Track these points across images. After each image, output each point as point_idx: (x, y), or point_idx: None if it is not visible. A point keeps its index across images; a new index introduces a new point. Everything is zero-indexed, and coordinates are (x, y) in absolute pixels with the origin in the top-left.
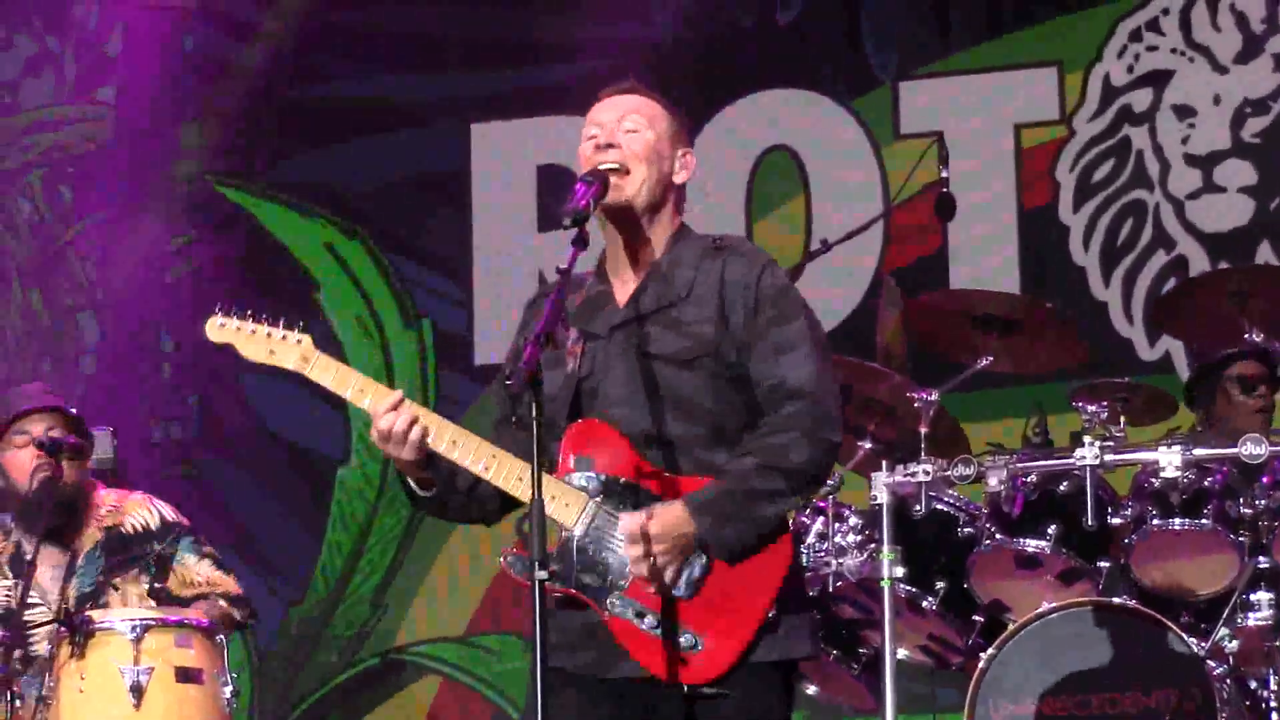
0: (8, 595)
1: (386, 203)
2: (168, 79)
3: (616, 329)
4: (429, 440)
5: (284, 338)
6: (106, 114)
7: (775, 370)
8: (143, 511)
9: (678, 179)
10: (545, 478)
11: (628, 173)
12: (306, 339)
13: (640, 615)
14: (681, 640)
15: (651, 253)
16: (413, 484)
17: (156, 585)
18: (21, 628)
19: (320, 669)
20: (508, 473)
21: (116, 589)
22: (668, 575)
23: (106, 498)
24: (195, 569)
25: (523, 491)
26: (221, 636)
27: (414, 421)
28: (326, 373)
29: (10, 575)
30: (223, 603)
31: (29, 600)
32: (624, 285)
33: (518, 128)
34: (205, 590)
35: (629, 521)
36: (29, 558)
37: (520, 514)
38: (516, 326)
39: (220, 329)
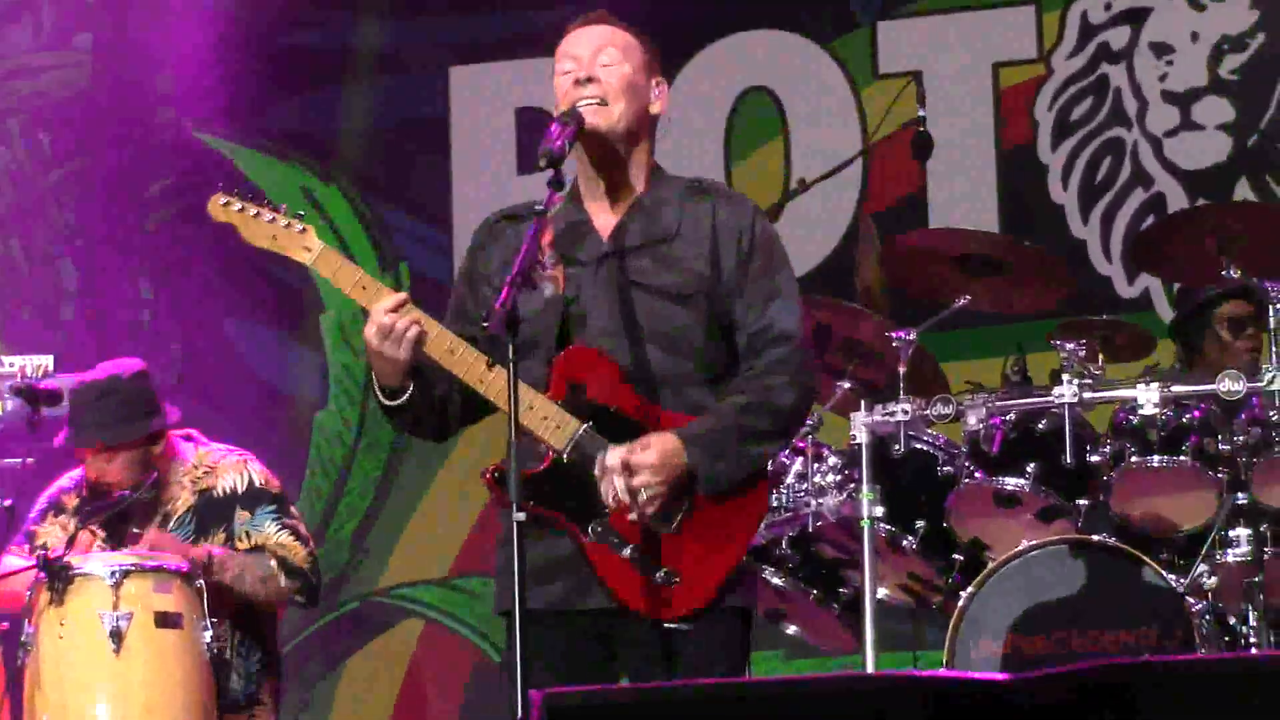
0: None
1: (366, 148)
2: (146, 26)
3: (603, 260)
4: (425, 343)
5: (288, 225)
6: (84, 61)
7: (764, 315)
8: (233, 474)
9: (654, 109)
10: (539, 397)
11: (606, 104)
12: (310, 229)
13: (621, 544)
14: (659, 575)
15: (631, 186)
16: (384, 393)
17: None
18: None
19: (300, 613)
20: (502, 389)
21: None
22: (654, 506)
23: (204, 456)
24: (271, 538)
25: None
26: (201, 582)
27: (415, 322)
28: (329, 264)
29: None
30: (273, 562)
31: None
32: (603, 215)
33: (497, 70)
34: (266, 546)
35: (617, 452)
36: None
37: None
38: (468, 249)
39: (224, 208)
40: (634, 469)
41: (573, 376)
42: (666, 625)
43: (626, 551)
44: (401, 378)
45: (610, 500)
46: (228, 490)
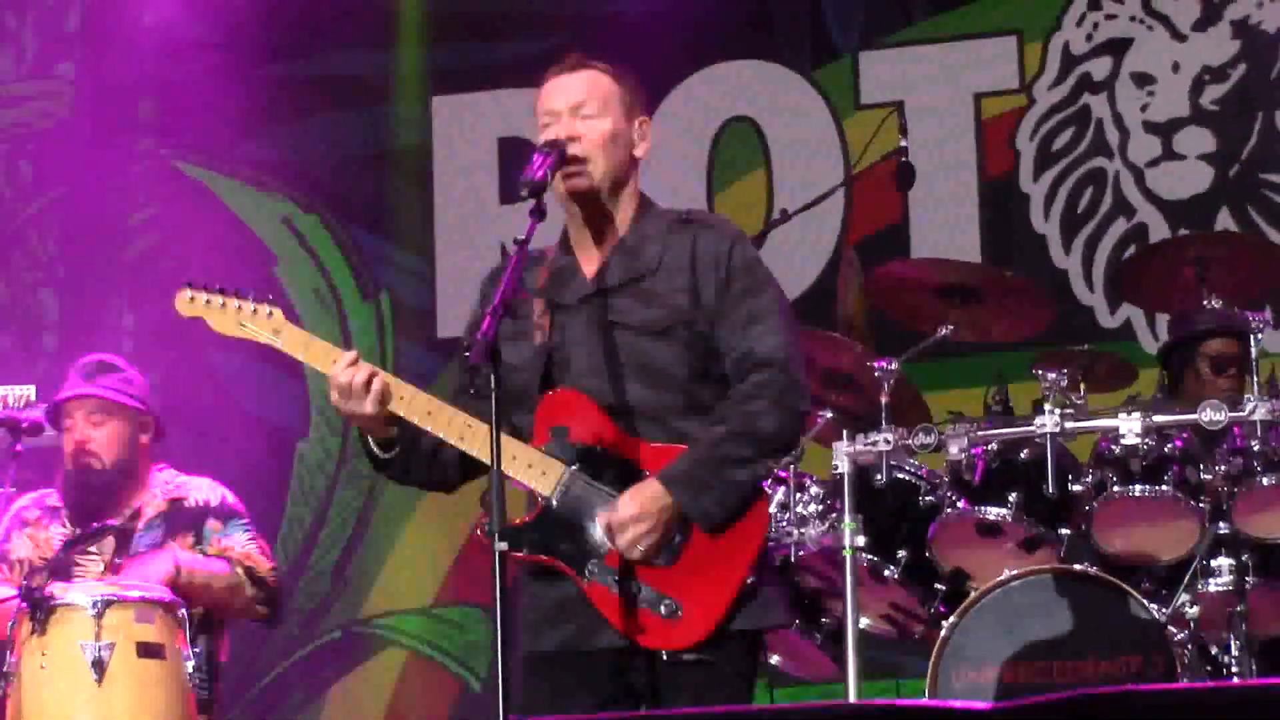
0: (62, 539)
1: (349, 178)
2: (127, 54)
3: (585, 301)
4: (390, 400)
5: (254, 311)
6: (66, 90)
7: (744, 340)
8: (206, 491)
9: (638, 153)
10: (521, 446)
11: (587, 162)
12: (278, 311)
13: (619, 583)
14: (662, 608)
15: (616, 228)
16: (374, 446)
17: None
18: (68, 569)
19: (282, 643)
20: (483, 444)
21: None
22: (646, 554)
23: (175, 476)
24: (238, 545)
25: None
26: (184, 611)
27: (372, 375)
28: (298, 345)
29: (69, 525)
30: (239, 570)
31: (88, 551)
32: (589, 259)
33: (479, 100)
34: (233, 555)
35: (605, 517)
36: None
37: (486, 485)
38: (476, 300)
39: (190, 303)
40: (616, 529)
41: (554, 421)
42: (680, 658)
43: (627, 589)
44: (383, 431)
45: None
46: (200, 502)
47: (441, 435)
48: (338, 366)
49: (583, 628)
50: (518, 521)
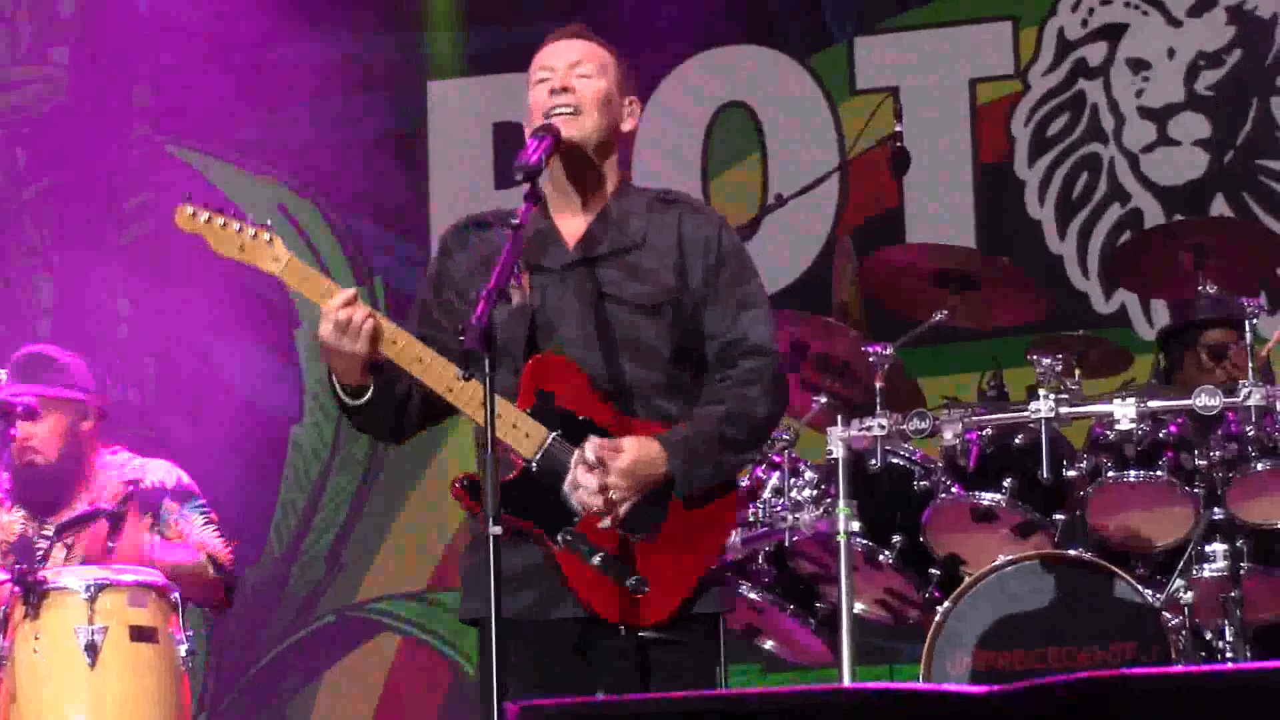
0: (23, 524)
1: (343, 162)
2: (122, 40)
3: (570, 268)
4: (381, 343)
5: (255, 235)
6: (60, 75)
7: (737, 325)
8: (162, 472)
9: (625, 126)
10: (507, 405)
11: (579, 114)
12: (279, 240)
13: (591, 552)
14: (629, 582)
15: (599, 196)
16: (344, 391)
17: (110, 544)
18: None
19: (276, 628)
20: (471, 397)
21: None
22: (622, 509)
23: (131, 459)
24: (195, 528)
25: (486, 417)
26: (176, 595)
27: (369, 315)
28: (297, 274)
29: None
30: (203, 557)
31: (44, 534)
32: (569, 224)
33: (474, 85)
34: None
35: (591, 446)
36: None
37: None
38: (435, 253)
39: (191, 218)
40: (607, 467)
41: (542, 385)
42: (639, 633)
43: (596, 559)
44: (361, 374)
45: (577, 501)
46: (156, 484)
47: (430, 385)
48: (335, 300)
49: (543, 596)
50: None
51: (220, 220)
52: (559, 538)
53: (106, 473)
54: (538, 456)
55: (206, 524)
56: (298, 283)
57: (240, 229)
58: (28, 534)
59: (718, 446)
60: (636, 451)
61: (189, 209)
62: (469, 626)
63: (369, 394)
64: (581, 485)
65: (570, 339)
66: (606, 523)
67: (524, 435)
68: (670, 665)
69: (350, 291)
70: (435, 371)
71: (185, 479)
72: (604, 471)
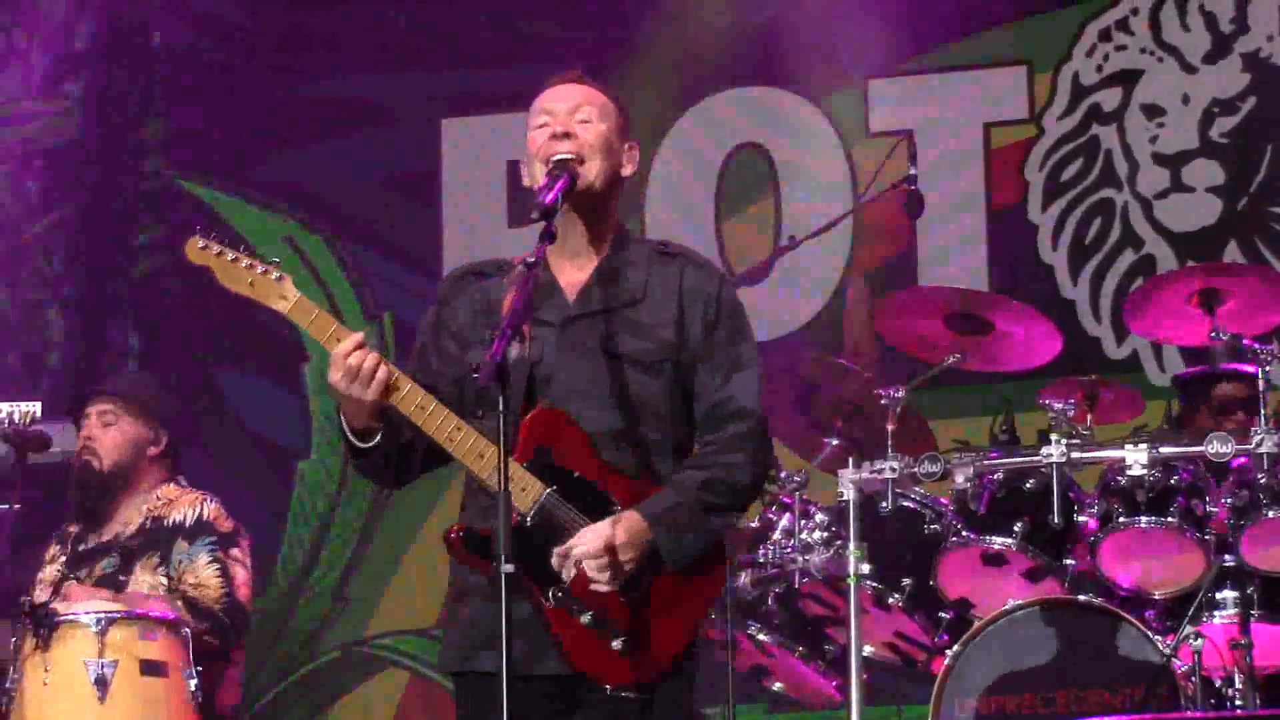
0: (59, 571)
1: (357, 199)
2: (135, 74)
3: (570, 322)
4: (393, 395)
5: (264, 272)
6: (73, 109)
7: (726, 386)
8: (186, 509)
9: (625, 172)
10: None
11: (583, 162)
12: (288, 278)
13: (581, 610)
14: (617, 642)
15: (597, 246)
16: (353, 436)
17: (121, 578)
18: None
19: (283, 662)
20: (469, 448)
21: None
22: (620, 582)
23: (169, 491)
24: (199, 571)
25: (482, 468)
26: (187, 630)
27: (379, 363)
28: (305, 313)
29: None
30: (179, 603)
31: (73, 575)
32: (569, 276)
33: (488, 123)
34: (189, 595)
35: (597, 535)
36: (74, 536)
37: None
38: (434, 302)
39: (201, 251)
40: (594, 553)
41: (540, 439)
42: (620, 694)
43: (586, 618)
44: (370, 419)
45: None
46: (177, 522)
47: (430, 434)
48: (344, 346)
49: (526, 651)
50: (486, 532)
51: (230, 255)
52: (550, 593)
53: (137, 502)
54: (533, 511)
55: (211, 563)
56: (306, 322)
57: (249, 265)
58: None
59: (701, 515)
60: (627, 526)
61: (199, 241)
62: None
63: (376, 439)
64: (575, 566)
65: (568, 393)
66: (603, 589)
67: (520, 489)
68: None
69: (358, 336)
70: (435, 421)
71: (206, 514)
72: (610, 552)
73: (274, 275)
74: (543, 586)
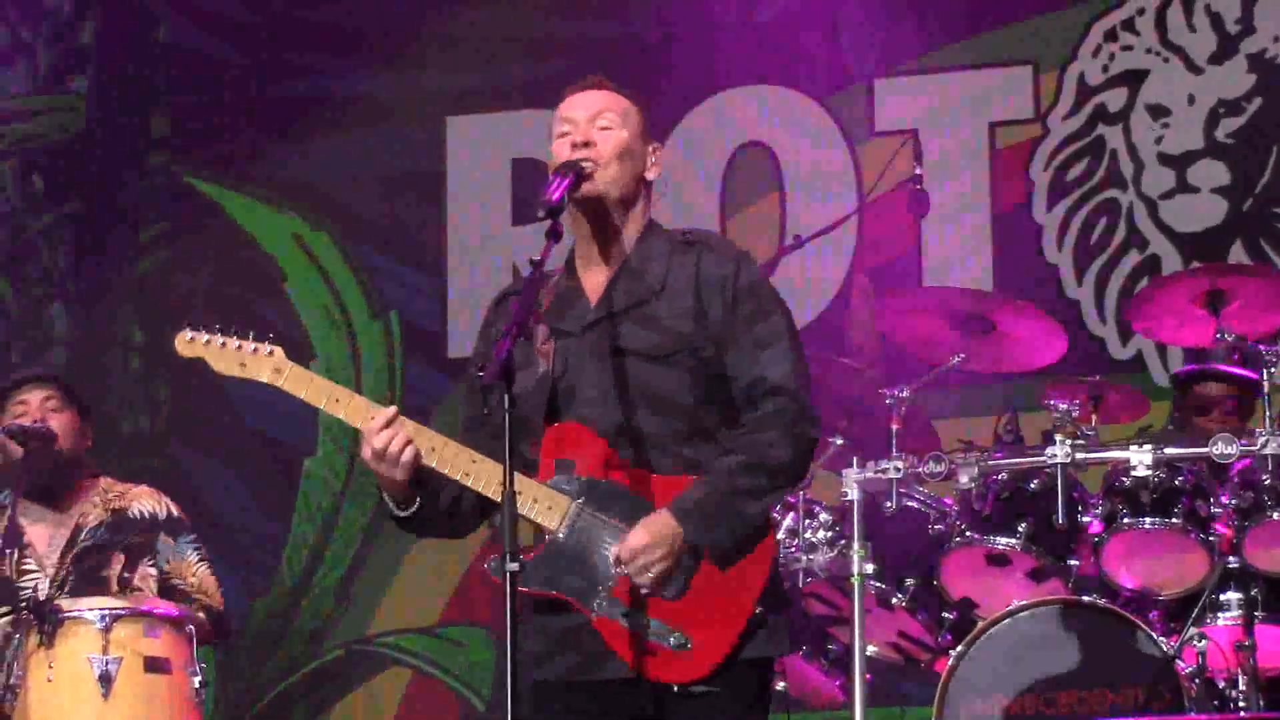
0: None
1: (361, 196)
2: (141, 70)
3: (589, 327)
4: (422, 456)
5: (255, 350)
6: (79, 105)
7: (755, 366)
8: (150, 501)
9: (649, 175)
10: (527, 482)
11: (591, 175)
12: (278, 350)
13: (628, 615)
14: (671, 640)
15: (622, 248)
16: (392, 503)
17: (125, 574)
18: (15, 596)
19: (285, 660)
20: (488, 480)
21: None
22: (654, 584)
23: (113, 485)
24: (193, 569)
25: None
26: (191, 627)
27: (408, 442)
28: (300, 384)
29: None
30: (201, 614)
31: (25, 568)
32: (594, 281)
33: (493, 121)
34: (191, 594)
35: (626, 540)
36: (20, 524)
37: (497, 517)
38: (481, 325)
39: (189, 343)
40: (627, 558)
41: (560, 455)
42: (687, 690)
43: (636, 622)
44: (406, 490)
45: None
46: (145, 514)
47: (445, 472)
48: (376, 423)
49: (588, 657)
50: (525, 556)
51: (219, 340)
52: (595, 604)
53: (89, 495)
54: (563, 528)
55: (200, 561)
56: (303, 392)
57: (239, 346)
58: (72, 565)
59: (735, 501)
60: (649, 528)
61: (188, 334)
62: (478, 662)
63: (414, 508)
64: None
65: (588, 399)
66: (645, 591)
67: (546, 508)
68: (715, 717)
69: (389, 412)
70: (449, 460)
71: (174, 509)
72: (639, 556)
73: (265, 350)
74: (585, 600)
